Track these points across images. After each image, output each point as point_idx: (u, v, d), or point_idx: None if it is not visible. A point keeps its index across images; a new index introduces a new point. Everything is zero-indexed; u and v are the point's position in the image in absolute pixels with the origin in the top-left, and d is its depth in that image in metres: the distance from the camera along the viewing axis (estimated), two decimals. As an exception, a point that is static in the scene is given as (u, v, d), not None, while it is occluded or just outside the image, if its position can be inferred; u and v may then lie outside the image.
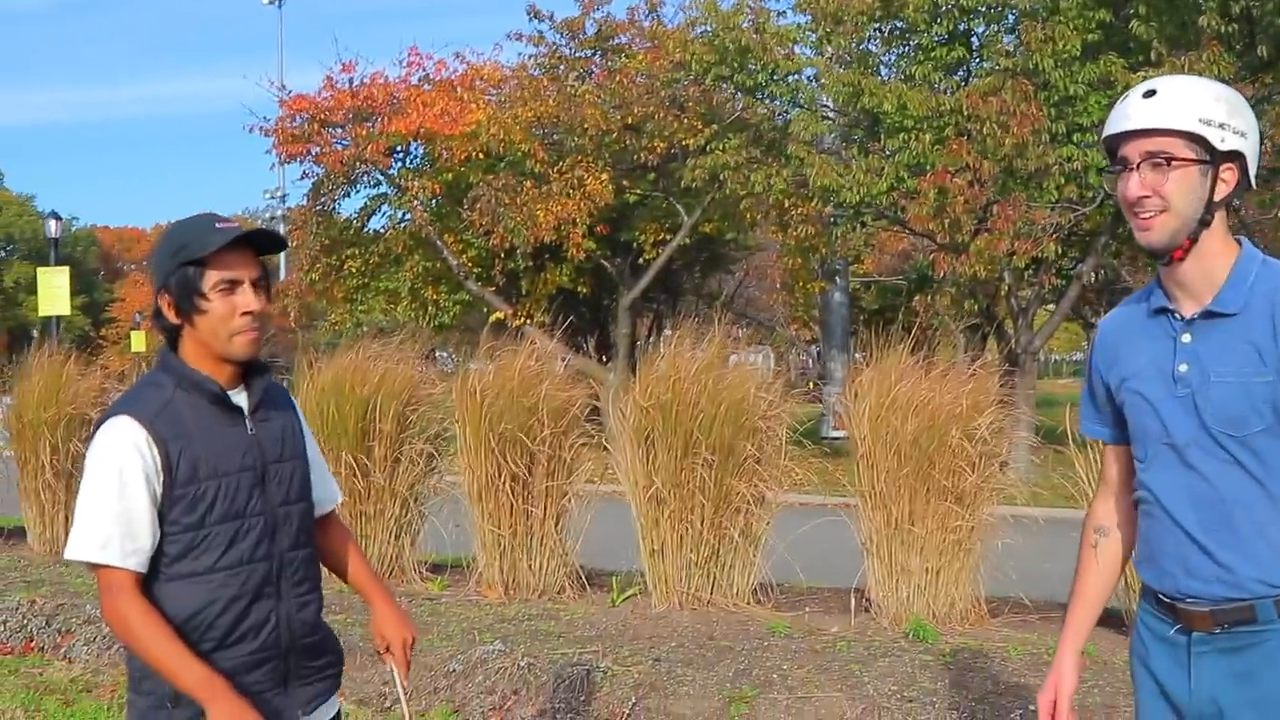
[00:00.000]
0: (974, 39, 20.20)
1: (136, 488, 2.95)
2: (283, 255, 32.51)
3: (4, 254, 79.89)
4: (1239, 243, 2.90)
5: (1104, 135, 2.91)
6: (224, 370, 3.09)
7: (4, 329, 70.69)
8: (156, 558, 3.01)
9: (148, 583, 3.01)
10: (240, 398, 3.14)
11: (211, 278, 3.01)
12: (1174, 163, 2.77)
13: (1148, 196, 2.80)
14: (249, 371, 3.17)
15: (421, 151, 26.55)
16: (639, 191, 26.01)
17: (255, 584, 3.07)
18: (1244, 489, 2.80)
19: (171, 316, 3.07)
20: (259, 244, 3.11)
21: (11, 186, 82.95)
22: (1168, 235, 2.81)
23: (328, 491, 3.49)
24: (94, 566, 2.99)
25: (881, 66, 20.72)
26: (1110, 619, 7.96)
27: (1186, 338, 2.87)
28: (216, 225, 3.02)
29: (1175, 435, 2.86)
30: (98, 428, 3.05)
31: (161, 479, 2.98)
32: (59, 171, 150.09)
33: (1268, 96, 18.01)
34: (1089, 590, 3.24)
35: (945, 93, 19.04)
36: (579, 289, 27.42)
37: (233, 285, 3.02)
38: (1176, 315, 2.89)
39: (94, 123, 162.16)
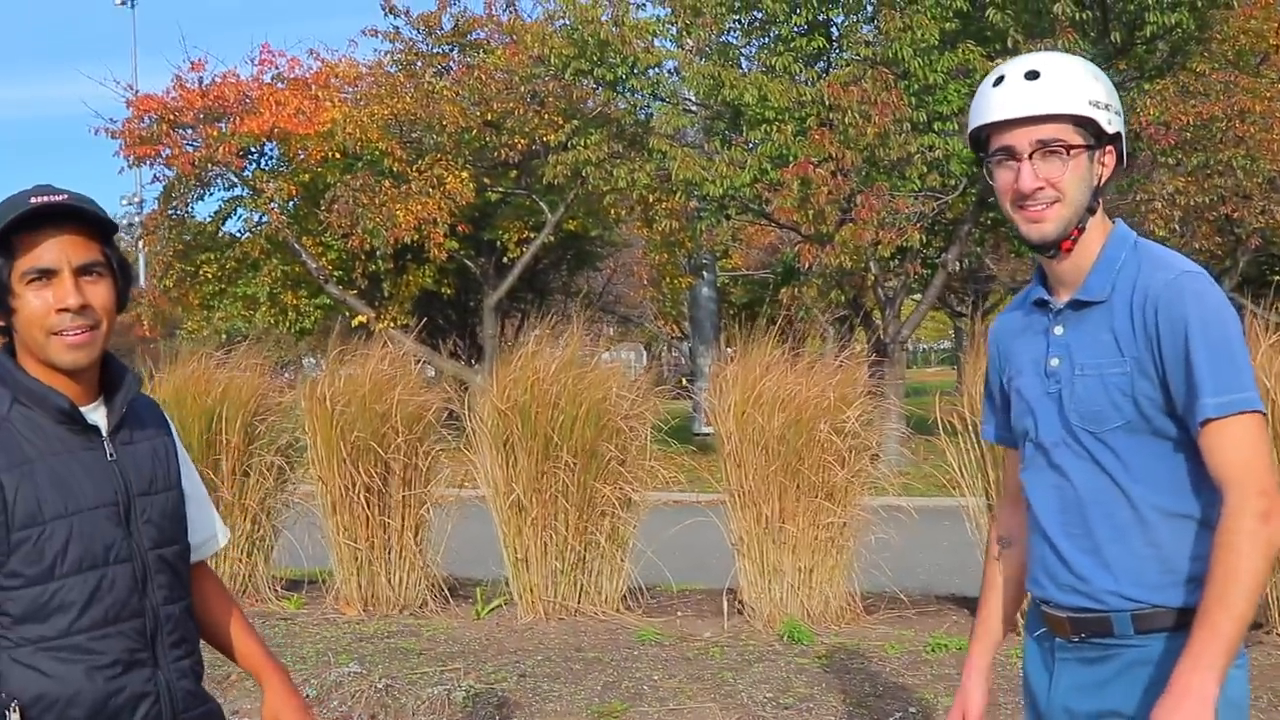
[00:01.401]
0: (833, 29, 20.17)
1: None
2: (141, 261, 31.68)
3: None
4: (1113, 223, 2.70)
5: (977, 123, 2.65)
6: (74, 381, 2.44)
7: None
8: None
9: None
10: (97, 415, 2.48)
11: (19, 266, 2.36)
12: (1073, 150, 2.56)
13: (1041, 188, 2.58)
14: (109, 382, 2.52)
15: (276, 152, 25.93)
16: (501, 189, 25.69)
17: (126, 648, 2.42)
18: (1103, 491, 2.59)
19: None
20: (90, 222, 2.43)
21: None
22: (1062, 226, 2.60)
23: (208, 530, 2.79)
24: None
25: (742, 58, 20.61)
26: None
27: (1058, 330, 2.67)
28: (31, 200, 2.37)
29: (1044, 435, 2.67)
30: None
31: None
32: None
33: (1122, 83, 18.18)
34: (994, 603, 3.00)
35: (806, 83, 18.98)
36: (443, 290, 26.99)
37: (45, 275, 2.36)
38: (1052, 307, 2.70)
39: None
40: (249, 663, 2.82)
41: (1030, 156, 2.57)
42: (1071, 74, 2.59)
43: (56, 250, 2.37)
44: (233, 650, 2.81)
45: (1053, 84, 2.56)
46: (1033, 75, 2.57)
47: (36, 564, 2.35)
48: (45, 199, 2.36)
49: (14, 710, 2.35)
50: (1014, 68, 2.62)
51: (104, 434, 2.48)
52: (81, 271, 2.39)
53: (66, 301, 2.36)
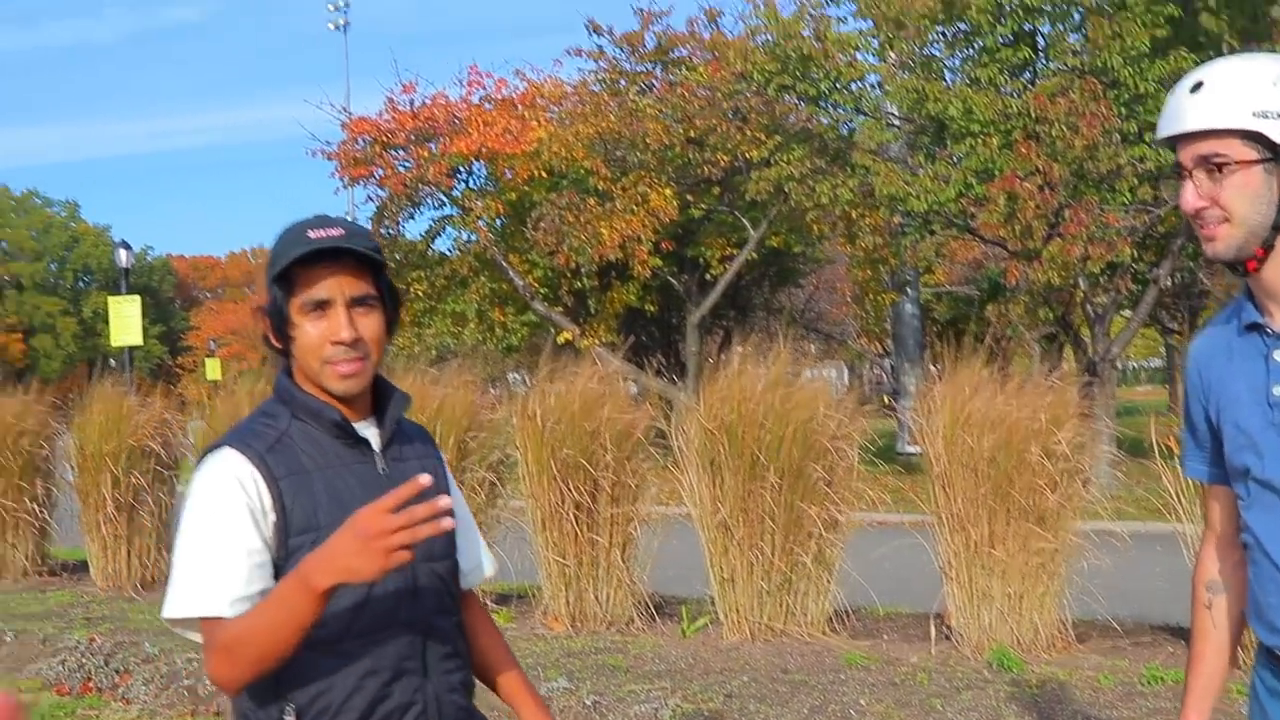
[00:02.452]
0: (1039, 39, 19.77)
1: (241, 524, 2.39)
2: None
3: (82, 285, 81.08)
4: None
5: (1157, 137, 2.52)
6: (346, 403, 2.54)
7: (83, 359, 71.61)
8: None
9: None
10: (369, 431, 2.56)
11: (297, 299, 2.46)
12: (1228, 167, 2.38)
13: (1206, 207, 2.42)
14: (381, 401, 2.61)
15: (484, 171, 26.47)
16: (704, 206, 25.78)
17: (395, 656, 2.47)
18: None
19: (273, 339, 2.53)
20: (363, 256, 2.51)
21: (88, 218, 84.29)
22: (1234, 248, 2.43)
23: (475, 558, 2.81)
24: (197, 622, 2.41)
25: (946, 71, 20.35)
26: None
27: None
28: (308, 234, 2.46)
29: (1272, 471, 2.46)
30: (200, 462, 2.51)
31: (273, 524, 2.41)
32: (134, 202, 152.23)
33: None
34: (1208, 655, 2.78)
35: (1012, 95, 18.66)
36: (647, 307, 27.20)
37: (321, 307, 2.45)
38: (1268, 330, 2.50)
39: (168, 152, 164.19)
40: (510, 695, 2.83)
41: (1191, 173, 2.43)
42: (1238, 84, 2.40)
43: (332, 284, 2.46)
44: (494, 680, 2.84)
45: (1213, 96, 2.39)
46: (1196, 87, 2.42)
47: None
48: (323, 233, 2.45)
49: (290, 713, 2.43)
50: (1186, 79, 2.48)
51: (376, 449, 2.55)
52: (355, 304, 2.47)
53: (339, 334, 2.45)
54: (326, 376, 2.48)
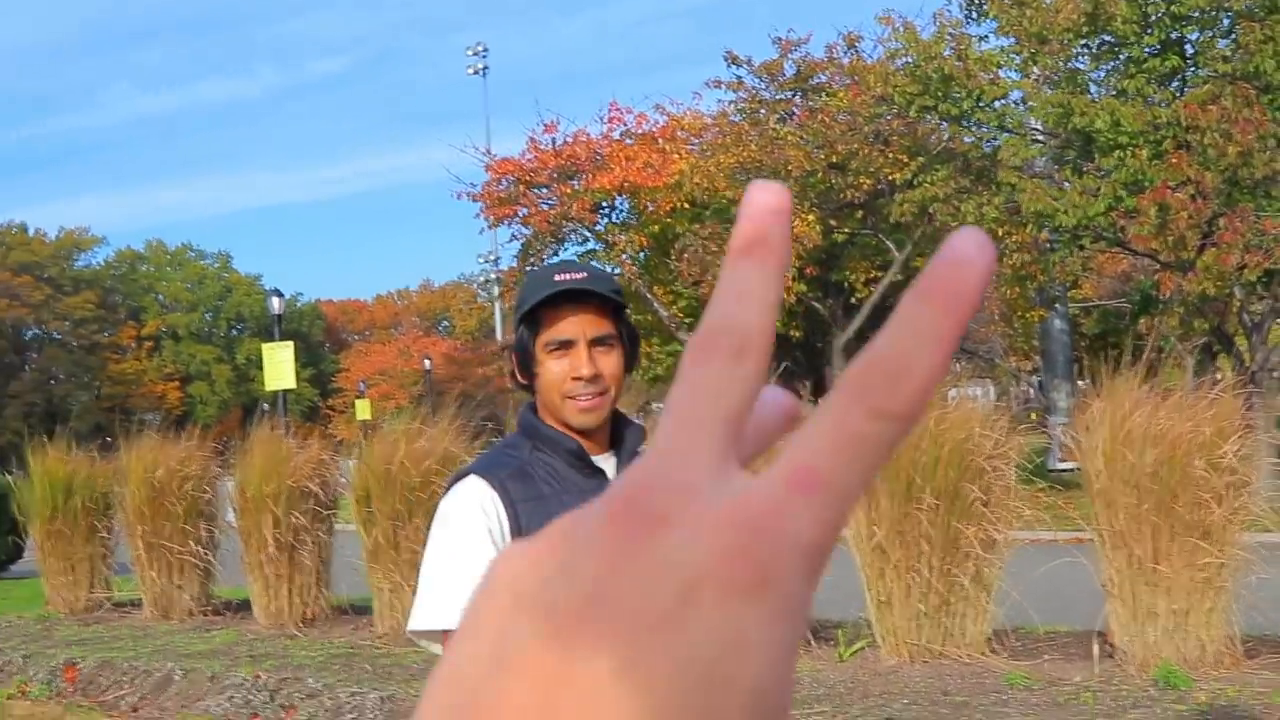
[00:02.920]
0: (1188, 46, 19.41)
1: (482, 544, 2.56)
2: (498, 315, 33.03)
3: (235, 333, 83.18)
4: None
5: None
6: (586, 436, 2.70)
7: (238, 404, 73.38)
8: None
9: None
10: (606, 463, 2.73)
11: (542, 338, 2.65)
12: None
13: None
14: (617, 434, 2.76)
15: (627, 205, 26.67)
16: (847, 230, 25.71)
17: None
18: None
19: (518, 376, 2.75)
20: (608, 297, 2.70)
21: (240, 267, 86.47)
22: None
23: None
24: (441, 635, 2.55)
25: (1091, 83, 20.08)
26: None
27: None
28: (555, 278, 2.65)
29: None
30: (447, 488, 2.70)
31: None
32: (284, 250, 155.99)
33: None
34: None
35: (1160, 105, 18.34)
36: (792, 333, 27.15)
37: (565, 346, 2.64)
38: None
39: (313, 202, 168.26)
40: None
41: None
42: None
43: (575, 324, 2.64)
44: None
45: None
46: None
47: None
48: (567, 276, 2.64)
49: None
50: None
51: (611, 478, 2.68)
52: (595, 343, 2.65)
53: (580, 371, 2.62)
54: (568, 411, 2.65)
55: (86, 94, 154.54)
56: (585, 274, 2.67)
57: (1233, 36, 18.12)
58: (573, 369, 2.63)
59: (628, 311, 2.78)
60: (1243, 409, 8.06)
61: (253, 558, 11.30)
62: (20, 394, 70.99)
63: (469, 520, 2.59)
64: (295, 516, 11.10)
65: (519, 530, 2.56)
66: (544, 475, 2.65)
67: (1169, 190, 16.82)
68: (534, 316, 2.65)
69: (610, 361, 2.66)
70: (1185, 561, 7.41)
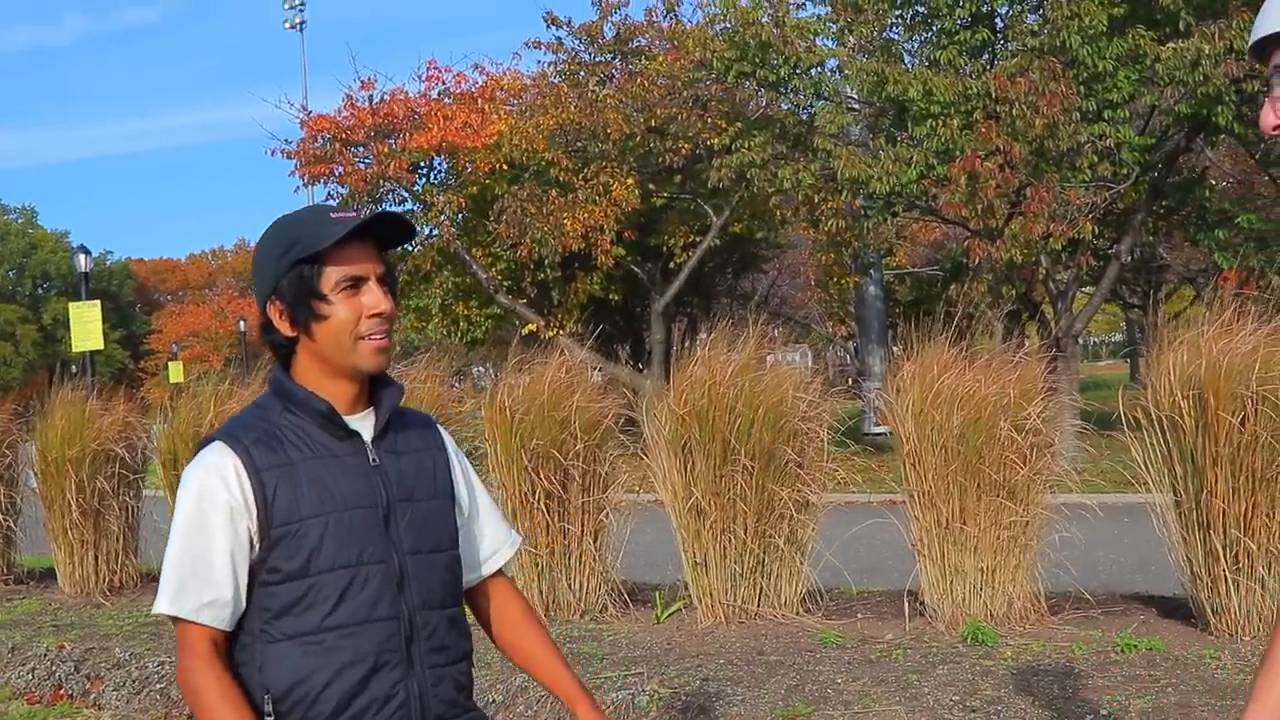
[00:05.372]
0: (998, 20, 19.87)
1: (216, 527, 2.46)
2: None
3: (41, 291, 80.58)
4: None
5: (1250, 41, 2.17)
6: (345, 390, 2.57)
7: (44, 366, 71.18)
8: (255, 614, 2.49)
9: (247, 643, 2.51)
10: (362, 423, 2.59)
11: (331, 276, 2.50)
12: None
13: None
14: (376, 392, 2.63)
15: (445, 166, 26.38)
16: (666, 195, 25.80)
17: (374, 648, 2.49)
18: None
19: (285, 328, 2.56)
20: (383, 235, 2.61)
21: (46, 224, 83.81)
22: None
23: (494, 543, 2.85)
24: (172, 620, 2.51)
25: (905, 54, 20.40)
26: (1178, 610, 7.66)
27: None
28: (332, 215, 2.53)
29: None
30: (194, 454, 2.58)
31: (256, 516, 2.46)
32: (92, 206, 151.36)
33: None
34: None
35: (971, 76, 18.73)
36: (611, 297, 27.20)
37: (356, 283, 2.52)
38: None
39: (123, 156, 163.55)
40: (552, 683, 2.83)
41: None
42: None
43: (365, 259, 2.54)
44: (534, 668, 2.86)
45: None
46: None
47: (292, 560, 2.47)
48: (345, 215, 2.53)
49: (267, 702, 2.48)
50: None
51: (367, 441, 2.59)
52: (381, 279, 2.56)
53: (380, 307, 2.53)
54: (361, 353, 2.54)
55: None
56: (355, 212, 2.56)
57: (1041, 12, 18.58)
58: (370, 306, 2.52)
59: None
60: (1047, 373, 8.28)
61: (56, 524, 10.94)
62: None
63: (207, 497, 2.49)
64: (100, 481, 10.77)
65: (264, 502, 2.48)
66: (294, 440, 2.54)
67: (978, 160, 17.20)
68: (315, 256, 2.51)
69: (391, 300, 2.59)
70: (991, 521, 7.60)
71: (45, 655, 8.25)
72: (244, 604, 2.50)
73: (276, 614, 2.48)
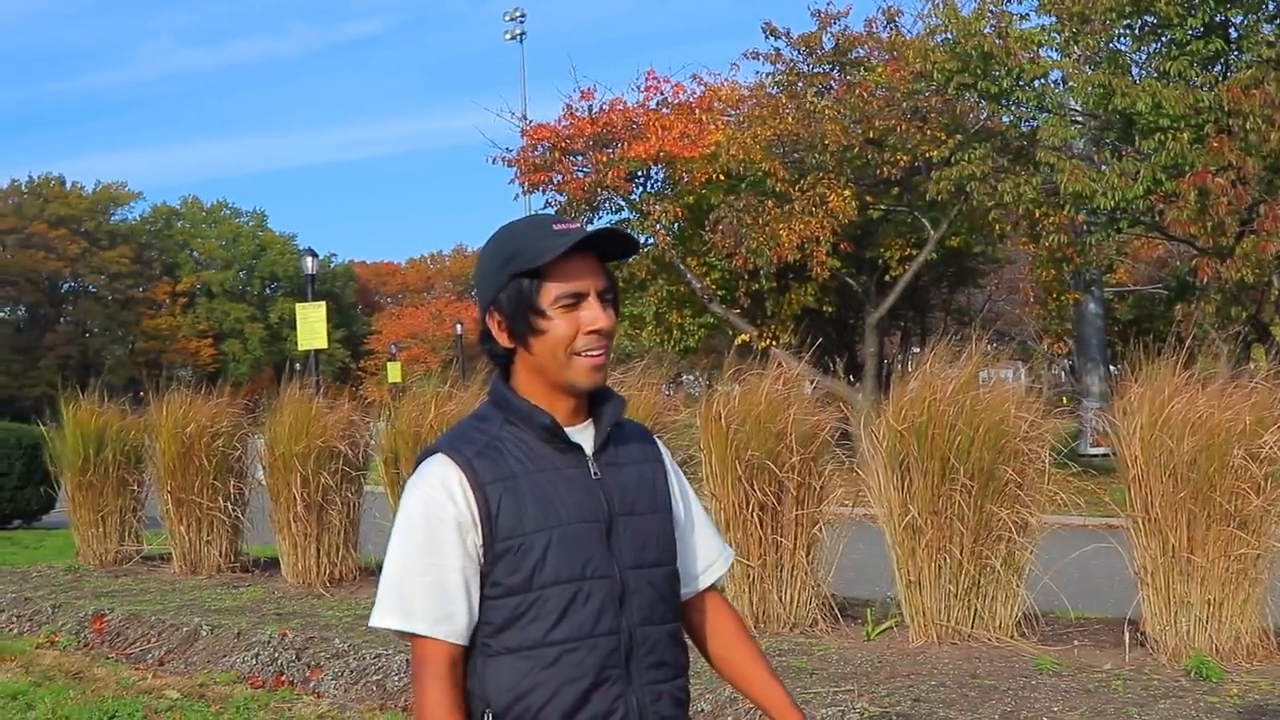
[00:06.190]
0: (1232, 30, 19.23)
1: (447, 542, 2.44)
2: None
3: (269, 292, 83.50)
4: None
5: None
6: (564, 403, 2.53)
7: (270, 363, 73.71)
8: (479, 626, 2.48)
9: (472, 656, 2.49)
10: (583, 436, 2.55)
11: (551, 291, 2.46)
12: None
13: None
14: (596, 405, 2.59)
15: (662, 175, 26.59)
16: (883, 207, 25.57)
17: (596, 664, 2.46)
18: None
19: (503, 339, 2.53)
20: (605, 248, 2.54)
21: (275, 227, 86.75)
22: None
23: (707, 557, 2.80)
24: (402, 634, 2.50)
25: (1133, 65, 19.90)
26: None
27: None
28: (554, 228, 2.48)
29: None
30: (416, 464, 2.56)
31: (480, 530, 2.44)
32: (318, 211, 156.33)
33: None
34: None
35: (1203, 88, 18.17)
36: (824, 308, 27.06)
37: (577, 299, 2.46)
38: None
39: (348, 162, 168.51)
40: (763, 698, 2.77)
41: None
42: None
43: (586, 275, 2.49)
44: (746, 683, 2.80)
45: None
46: None
47: (515, 573, 2.44)
48: (568, 226, 2.48)
49: (489, 715, 2.47)
50: None
51: (589, 453, 2.55)
52: (601, 295, 2.50)
53: (598, 323, 2.47)
54: (576, 369, 2.50)
55: (126, 48, 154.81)
56: (578, 224, 2.50)
57: (1278, 21, 17.93)
58: (588, 322, 2.47)
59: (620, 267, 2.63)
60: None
61: (281, 516, 11.33)
62: (55, 346, 71.46)
63: (434, 510, 2.47)
64: (324, 476, 11.12)
65: (488, 515, 2.45)
66: (515, 452, 2.51)
67: (1209, 175, 16.68)
68: (535, 270, 2.47)
69: (612, 316, 2.53)
70: (1221, 551, 7.34)
71: (269, 642, 8.54)
72: (476, 617, 2.48)
73: (498, 628, 2.47)
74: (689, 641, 2.80)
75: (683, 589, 2.73)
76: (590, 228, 2.49)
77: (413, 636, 2.48)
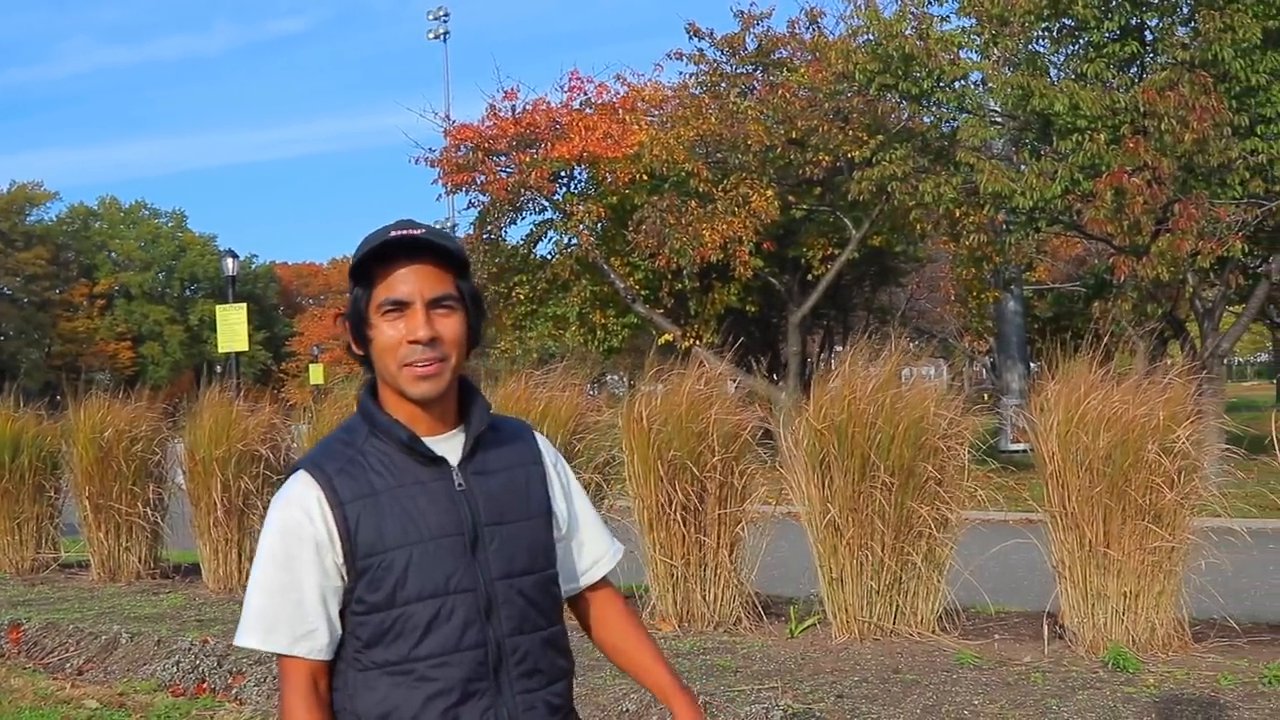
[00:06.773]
0: (1147, 33, 19.50)
1: (304, 560, 2.44)
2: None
3: (189, 294, 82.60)
4: None
5: None
6: (425, 411, 2.51)
7: (190, 365, 72.92)
8: (348, 640, 2.49)
9: (341, 670, 2.51)
10: (449, 445, 2.53)
11: (375, 298, 2.45)
12: None
13: None
14: (466, 411, 2.57)
15: (585, 175, 26.59)
16: (805, 207, 25.72)
17: (463, 677, 2.46)
18: None
19: (355, 346, 2.53)
20: (444, 256, 2.49)
21: (195, 228, 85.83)
22: None
23: (594, 553, 2.79)
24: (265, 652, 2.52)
25: (1051, 67, 20.10)
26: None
27: None
28: (391, 234, 2.44)
29: None
30: (281, 481, 2.57)
31: (339, 548, 2.44)
32: (239, 212, 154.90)
33: None
34: None
35: (1119, 90, 18.41)
36: (747, 308, 27.16)
37: (399, 307, 2.43)
38: None
39: (270, 162, 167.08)
40: (650, 681, 2.78)
41: None
42: None
43: (411, 283, 2.44)
44: (632, 667, 2.82)
45: None
46: None
47: (378, 591, 2.44)
48: (402, 233, 2.44)
49: None
50: None
51: (454, 464, 2.53)
52: (433, 304, 2.45)
53: (417, 333, 2.43)
54: (404, 379, 2.47)
55: (44, 45, 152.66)
56: (423, 230, 2.47)
57: (1192, 24, 18.20)
58: (408, 331, 2.43)
59: (470, 271, 2.59)
60: (1194, 394, 8.11)
61: (202, 521, 11.22)
62: (-33, 350, 70.29)
63: (292, 529, 2.46)
64: (245, 480, 11.02)
65: (348, 532, 2.45)
66: (378, 466, 2.49)
67: (1125, 175, 16.89)
68: (368, 277, 2.46)
69: (451, 325, 2.47)
70: (1136, 544, 7.46)
71: (190, 649, 8.44)
72: (340, 632, 2.50)
73: (366, 643, 2.47)
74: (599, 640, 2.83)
75: (568, 586, 2.74)
76: (414, 235, 2.46)
77: (281, 656, 2.49)
